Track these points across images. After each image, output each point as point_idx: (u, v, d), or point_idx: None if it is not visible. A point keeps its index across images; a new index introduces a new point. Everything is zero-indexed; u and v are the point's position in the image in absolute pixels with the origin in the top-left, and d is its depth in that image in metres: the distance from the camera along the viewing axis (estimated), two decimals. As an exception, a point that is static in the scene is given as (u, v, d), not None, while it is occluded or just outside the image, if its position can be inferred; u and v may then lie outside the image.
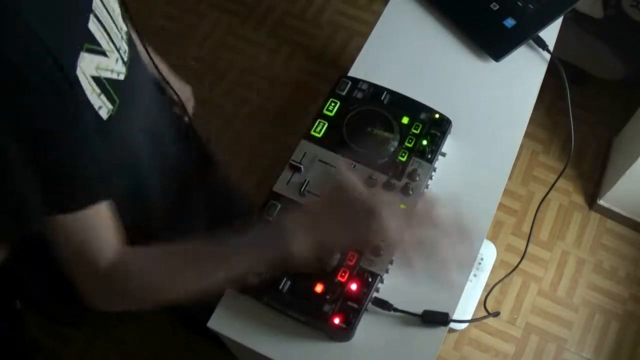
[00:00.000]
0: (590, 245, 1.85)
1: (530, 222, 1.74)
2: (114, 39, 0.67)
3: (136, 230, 0.70)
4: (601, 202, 1.85)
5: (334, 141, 0.90)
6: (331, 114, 0.93)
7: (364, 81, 0.96)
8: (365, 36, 1.09)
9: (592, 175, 1.94)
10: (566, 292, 1.79)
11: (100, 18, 0.64)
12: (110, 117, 0.65)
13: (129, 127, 0.72)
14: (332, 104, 0.93)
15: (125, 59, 0.69)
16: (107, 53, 0.64)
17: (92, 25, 0.62)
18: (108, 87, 0.64)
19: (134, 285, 0.67)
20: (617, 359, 1.71)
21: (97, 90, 0.62)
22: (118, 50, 0.67)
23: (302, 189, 0.86)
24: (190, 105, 1.10)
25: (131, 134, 0.74)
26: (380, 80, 0.96)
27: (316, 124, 0.92)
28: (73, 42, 0.59)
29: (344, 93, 0.95)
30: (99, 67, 0.63)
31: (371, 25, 1.10)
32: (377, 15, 1.12)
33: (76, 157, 0.60)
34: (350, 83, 0.95)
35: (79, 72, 0.59)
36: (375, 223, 0.64)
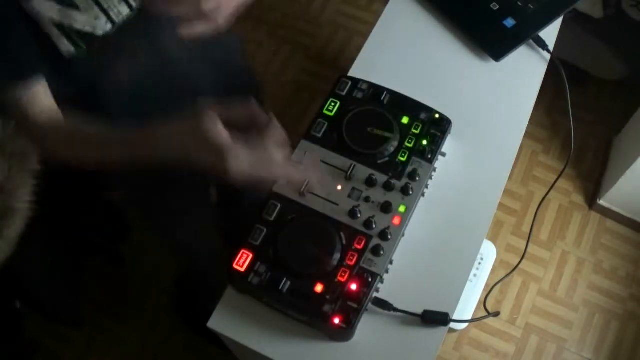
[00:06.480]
0: (590, 245, 1.85)
1: (530, 222, 1.73)
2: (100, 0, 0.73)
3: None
4: (601, 202, 1.85)
5: (334, 141, 0.90)
6: (331, 114, 0.93)
7: (364, 81, 0.96)
8: (365, 36, 1.09)
9: (592, 175, 1.94)
10: (566, 292, 1.79)
11: None
12: (73, 58, 0.74)
13: (98, 74, 0.80)
14: (332, 104, 0.93)
15: (117, 20, 0.75)
16: (80, 7, 0.72)
17: None
18: (73, 36, 0.73)
19: (50, 147, 0.81)
20: (617, 359, 1.71)
21: (57, 32, 0.72)
22: (105, 10, 0.74)
23: (302, 189, 0.86)
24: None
25: (101, 79, 0.81)
26: (380, 80, 0.96)
27: (316, 124, 0.92)
28: None
29: (344, 93, 0.95)
30: (66, 16, 0.71)
31: (371, 25, 1.10)
32: (377, 15, 1.12)
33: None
34: (350, 83, 0.95)
35: (35, 5, 0.69)
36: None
